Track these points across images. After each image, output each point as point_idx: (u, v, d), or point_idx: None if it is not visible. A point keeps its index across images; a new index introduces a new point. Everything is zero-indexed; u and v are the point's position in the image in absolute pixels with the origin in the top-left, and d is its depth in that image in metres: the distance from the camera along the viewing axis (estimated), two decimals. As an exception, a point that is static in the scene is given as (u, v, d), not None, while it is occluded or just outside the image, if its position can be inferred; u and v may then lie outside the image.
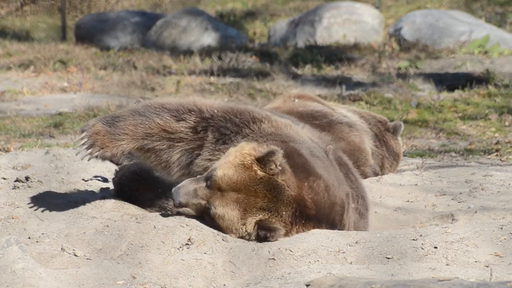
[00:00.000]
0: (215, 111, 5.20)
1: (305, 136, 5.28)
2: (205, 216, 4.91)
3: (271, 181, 4.81)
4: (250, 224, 4.81)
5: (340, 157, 5.52)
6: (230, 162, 4.90)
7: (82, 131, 5.05)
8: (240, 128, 5.14)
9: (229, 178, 4.83)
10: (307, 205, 4.84)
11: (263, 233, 4.77)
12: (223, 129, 5.14)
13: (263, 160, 4.81)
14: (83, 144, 5.02)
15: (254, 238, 4.82)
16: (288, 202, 4.81)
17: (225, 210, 4.81)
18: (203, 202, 4.86)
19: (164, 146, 5.14)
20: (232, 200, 4.81)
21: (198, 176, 4.96)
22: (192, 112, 5.18)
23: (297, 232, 4.86)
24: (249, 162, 4.86)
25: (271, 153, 4.81)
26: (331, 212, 4.92)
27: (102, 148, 5.02)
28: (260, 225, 4.78)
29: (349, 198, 5.11)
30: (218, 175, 4.86)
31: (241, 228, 4.81)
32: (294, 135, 5.18)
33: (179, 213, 4.99)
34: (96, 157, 5.01)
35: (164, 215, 4.89)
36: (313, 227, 4.88)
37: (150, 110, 5.16)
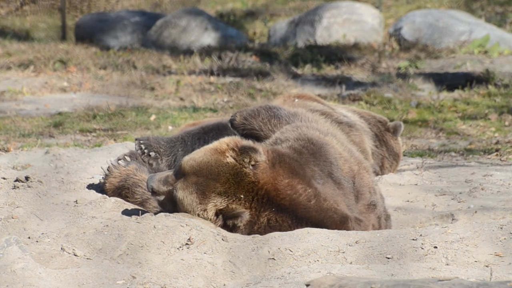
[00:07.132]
0: None
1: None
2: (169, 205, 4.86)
3: (236, 168, 4.73)
4: (211, 211, 4.74)
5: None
6: (204, 148, 4.84)
7: None
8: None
9: (194, 160, 4.77)
10: (278, 194, 4.73)
11: (231, 222, 4.71)
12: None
13: (242, 150, 4.74)
14: None
15: (221, 227, 4.76)
16: (249, 189, 4.71)
17: (185, 193, 4.75)
18: (171, 188, 4.83)
19: None
20: (192, 182, 4.74)
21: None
22: None
23: (267, 219, 4.77)
24: (223, 148, 4.78)
25: (253, 149, 4.74)
26: (318, 215, 4.80)
27: None
28: (224, 215, 4.71)
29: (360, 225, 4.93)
30: (184, 159, 4.81)
31: (202, 214, 4.75)
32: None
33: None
34: None
35: (164, 215, 4.89)
36: (293, 222, 4.78)
37: None
